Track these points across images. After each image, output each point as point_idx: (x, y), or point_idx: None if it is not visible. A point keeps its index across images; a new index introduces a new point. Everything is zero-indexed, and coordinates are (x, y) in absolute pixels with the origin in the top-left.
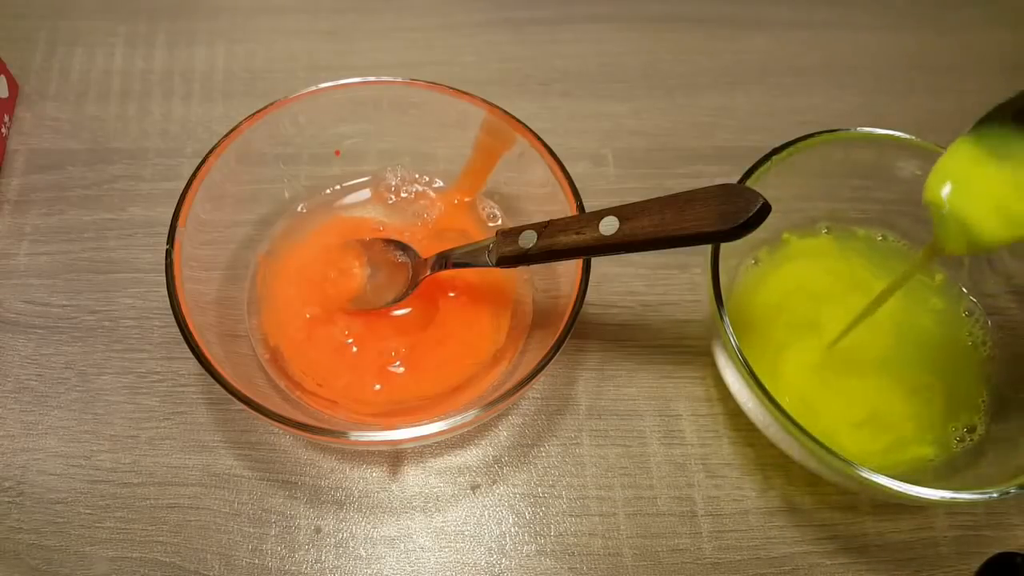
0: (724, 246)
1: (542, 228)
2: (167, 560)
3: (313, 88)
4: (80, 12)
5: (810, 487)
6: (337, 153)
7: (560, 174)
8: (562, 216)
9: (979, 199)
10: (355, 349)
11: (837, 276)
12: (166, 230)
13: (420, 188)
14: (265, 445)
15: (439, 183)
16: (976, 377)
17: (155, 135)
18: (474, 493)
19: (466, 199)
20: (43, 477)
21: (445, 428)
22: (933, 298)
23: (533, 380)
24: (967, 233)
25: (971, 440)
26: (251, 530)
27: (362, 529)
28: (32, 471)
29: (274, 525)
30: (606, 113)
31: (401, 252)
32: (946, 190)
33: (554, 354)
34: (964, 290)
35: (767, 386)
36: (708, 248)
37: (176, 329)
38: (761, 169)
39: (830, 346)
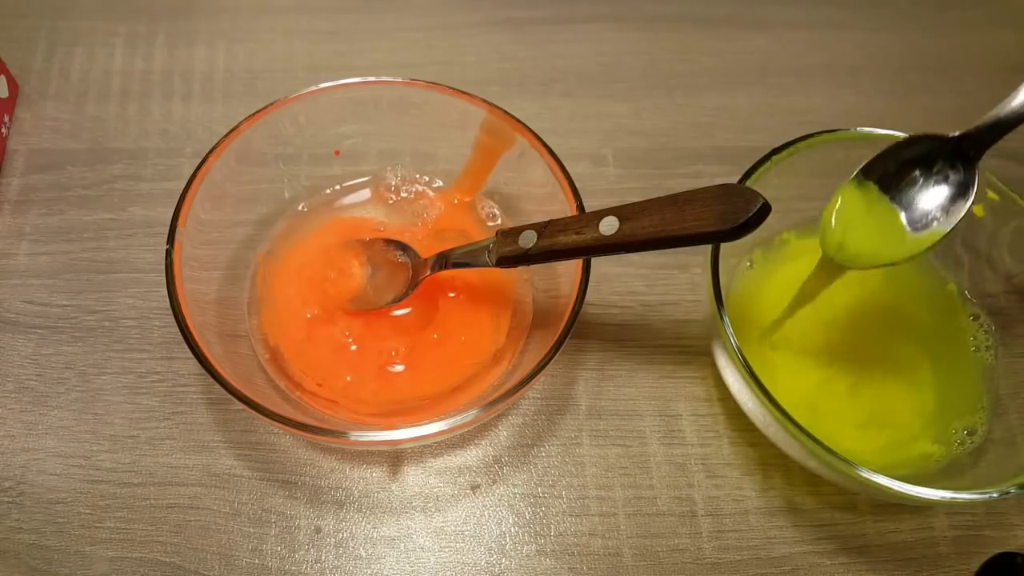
0: (724, 246)
1: (542, 228)
2: (167, 560)
3: (313, 88)
4: (80, 12)
5: (810, 487)
6: (337, 153)
7: (560, 174)
8: (562, 216)
9: (857, 234)
10: (355, 349)
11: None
12: (166, 230)
13: (420, 188)
14: (265, 445)
15: (439, 183)
16: (977, 378)
17: (155, 135)
18: (474, 493)
19: (466, 199)
20: (43, 477)
21: (445, 428)
22: (936, 300)
23: (533, 380)
24: (846, 252)
25: (971, 441)
26: (251, 530)
27: (362, 529)
28: (32, 471)
29: (274, 525)
30: (606, 113)
31: (401, 252)
32: (836, 222)
33: (554, 354)
34: (967, 293)
35: (767, 386)
36: (708, 248)
37: (176, 329)
38: (761, 169)
39: (765, 338)
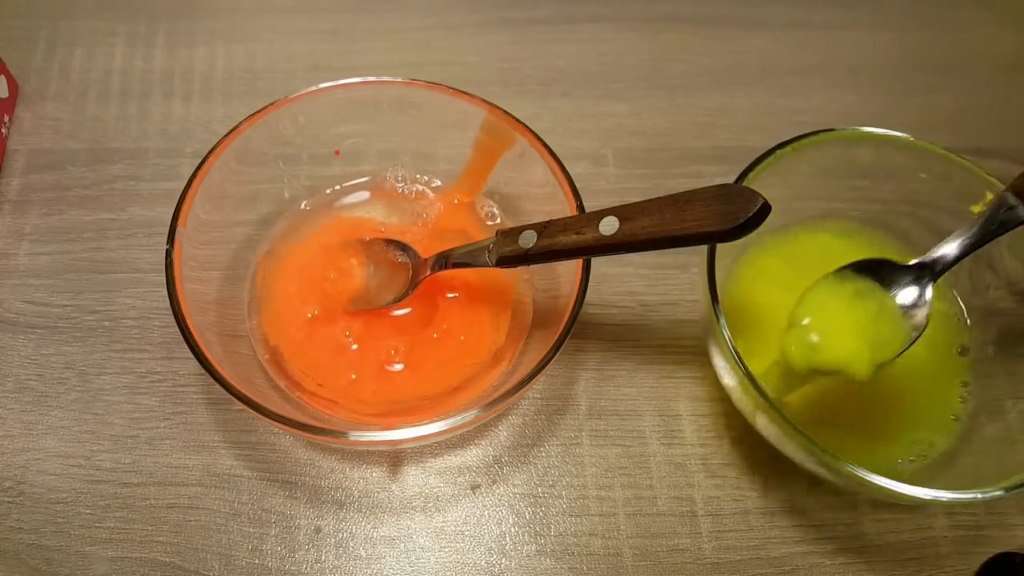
0: (721, 246)
1: (542, 228)
2: (167, 560)
3: (313, 88)
4: (80, 12)
5: (810, 487)
6: (337, 153)
7: (560, 174)
8: (562, 216)
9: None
10: (355, 349)
11: None
12: (166, 230)
13: (420, 188)
14: (265, 445)
15: (439, 183)
16: (976, 377)
17: (155, 135)
18: (474, 493)
19: (466, 199)
20: (43, 477)
21: (445, 428)
22: (939, 306)
23: (533, 380)
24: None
25: (971, 440)
26: (251, 530)
27: (362, 529)
28: (32, 471)
29: (274, 525)
30: (606, 113)
31: (401, 252)
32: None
33: (554, 354)
34: (956, 295)
35: (763, 386)
36: (704, 247)
37: (176, 329)
38: (759, 168)
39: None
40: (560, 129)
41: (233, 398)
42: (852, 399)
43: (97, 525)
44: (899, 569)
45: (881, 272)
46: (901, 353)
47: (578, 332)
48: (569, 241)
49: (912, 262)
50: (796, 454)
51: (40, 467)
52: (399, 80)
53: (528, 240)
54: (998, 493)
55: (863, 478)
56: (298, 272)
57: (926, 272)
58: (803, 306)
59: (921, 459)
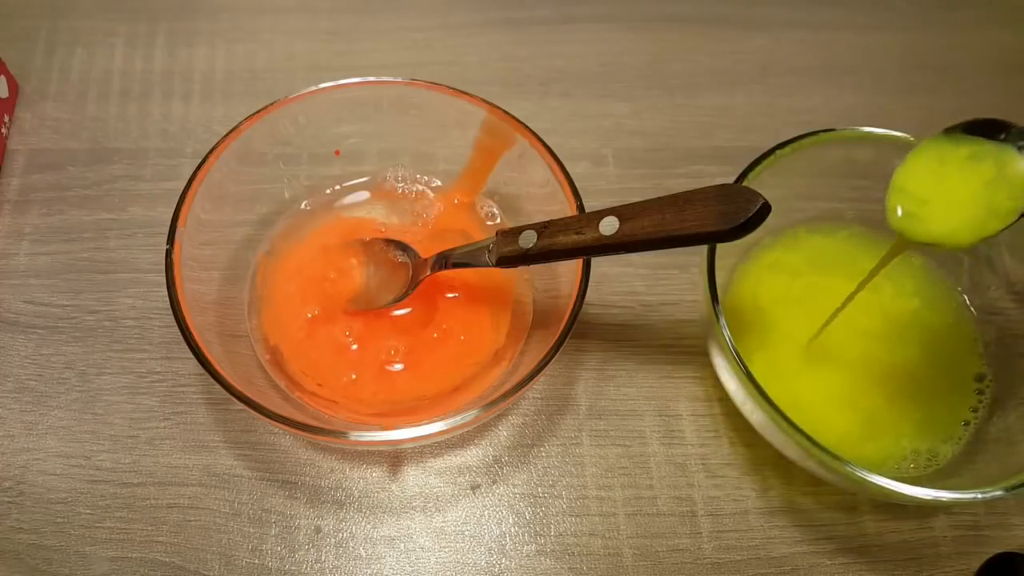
0: (722, 246)
1: (542, 228)
2: (167, 560)
3: (313, 88)
4: (80, 12)
5: (810, 487)
6: (337, 153)
7: (560, 174)
8: (562, 216)
9: (953, 204)
10: (355, 349)
11: (838, 274)
12: (166, 230)
13: (420, 188)
14: (265, 445)
15: (439, 183)
16: (974, 378)
17: (155, 135)
18: (474, 493)
19: (466, 199)
20: (43, 477)
21: (445, 428)
22: (931, 300)
23: (533, 380)
24: (940, 237)
25: (969, 440)
26: (251, 530)
27: (362, 529)
28: (32, 471)
29: (274, 525)
30: (606, 113)
31: (401, 252)
32: (914, 199)
33: (554, 354)
34: (959, 290)
35: (763, 386)
36: (705, 247)
37: (176, 329)
38: (759, 168)
39: (810, 342)
40: (560, 129)
41: (233, 398)
42: (851, 404)
43: (97, 525)
44: (899, 569)
45: (994, 135)
46: (1010, 226)
47: (578, 332)
48: (569, 241)
49: None
50: (796, 453)
51: (40, 467)
52: (399, 80)
53: (528, 240)
54: (998, 493)
55: (863, 478)
56: (298, 272)
57: None
58: (906, 170)
59: (926, 466)
